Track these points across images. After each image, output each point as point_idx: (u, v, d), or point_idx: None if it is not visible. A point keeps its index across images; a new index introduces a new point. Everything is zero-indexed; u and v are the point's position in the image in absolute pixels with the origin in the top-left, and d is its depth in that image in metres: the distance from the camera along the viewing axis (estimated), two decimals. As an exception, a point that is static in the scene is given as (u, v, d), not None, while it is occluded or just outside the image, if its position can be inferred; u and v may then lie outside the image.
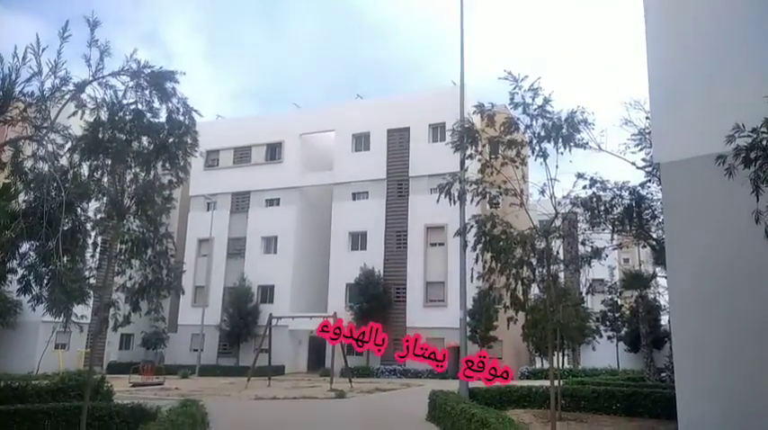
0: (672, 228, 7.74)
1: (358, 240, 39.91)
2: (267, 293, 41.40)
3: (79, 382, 13.66)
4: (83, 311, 11.09)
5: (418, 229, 38.06)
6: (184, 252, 44.63)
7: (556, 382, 20.39)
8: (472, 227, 11.14)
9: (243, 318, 39.49)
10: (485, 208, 14.93)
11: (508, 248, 10.48)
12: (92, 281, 10.35)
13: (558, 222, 10.99)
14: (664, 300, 26.04)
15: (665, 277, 20.88)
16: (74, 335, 34.47)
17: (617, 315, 35.92)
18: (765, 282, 6.41)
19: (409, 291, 37.63)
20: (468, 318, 33.48)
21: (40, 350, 33.44)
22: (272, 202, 43.17)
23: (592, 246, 11.82)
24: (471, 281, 11.54)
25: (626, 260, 44.54)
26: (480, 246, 11.00)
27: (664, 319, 36.60)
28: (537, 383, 19.83)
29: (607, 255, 12.32)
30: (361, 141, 41.63)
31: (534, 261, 10.82)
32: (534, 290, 12.80)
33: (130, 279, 10.94)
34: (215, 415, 14.75)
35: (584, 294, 11.00)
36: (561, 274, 12.15)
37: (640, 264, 31.11)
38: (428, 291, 37.39)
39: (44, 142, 9.58)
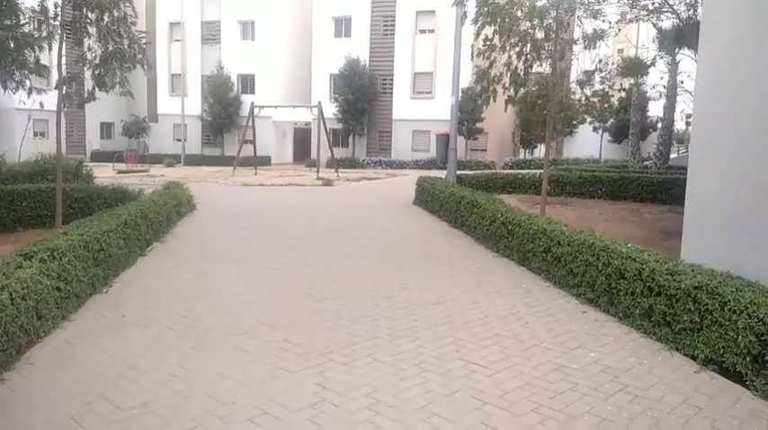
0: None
1: (342, 26, 37.20)
2: (248, 83, 39.72)
3: (56, 166, 13.18)
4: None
5: (407, 15, 35.33)
6: (156, 36, 41.62)
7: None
8: (473, -9, 9.76)
9: (224, 107, 38.38)
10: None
11: (514, 19, 9.28)
12: (43, 47, 9.18)
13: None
14: (657, 89, 25.18)
15: (672, 61, 19.84)
16: (52, 123, 33.59)
17: (606, 105, 35.37)
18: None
19: (396, 82, 36.22)
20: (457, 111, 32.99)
21: (18, 138, 32.67)
22: (246, -19, 39.19)
23: (604, 20, 10.59)
24: (471, 59, 10.46)
25: (620, 51, 42.71)
26: (482, 17, 9.75)
27: (652, 110, 36.32)
28: (523, 171, 19.95)
29: (619, 30, 11.15)
30: None
31: (541, 35, 9.70)
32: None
33: (89, 50, 9.78)
34: (202, 199, 14.64)
35: (592, 74, 10.16)
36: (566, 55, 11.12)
37: (637, 50, 29.58)
38: (416, 83, 36.03)
39: None
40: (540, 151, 45.37)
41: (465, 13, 10.25)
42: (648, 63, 23.60)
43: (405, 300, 6.34)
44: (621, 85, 33.57)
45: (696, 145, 6.73)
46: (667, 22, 16.46)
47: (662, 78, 19.56)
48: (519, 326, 5.55)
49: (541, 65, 10.56)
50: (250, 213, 13.25)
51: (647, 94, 31.15)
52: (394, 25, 35.91)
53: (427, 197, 13.40)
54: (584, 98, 11.70)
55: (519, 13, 9.32)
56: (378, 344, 5.01)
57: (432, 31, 34.94)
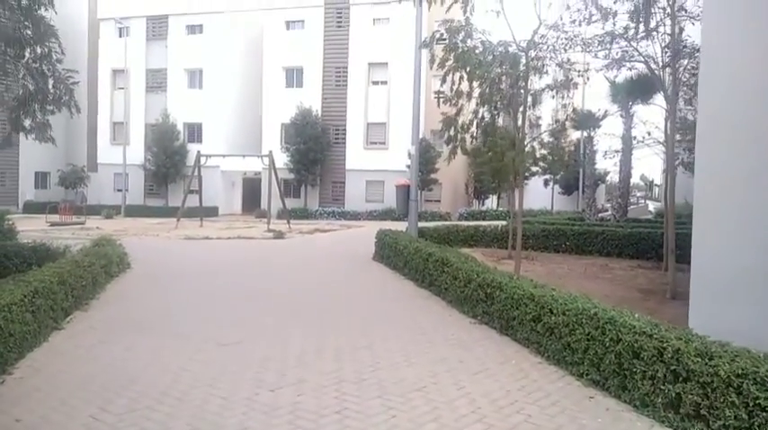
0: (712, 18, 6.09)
1: (293, 76, 36.74)
2: (195, 132, 38.46)
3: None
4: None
5: (360, 66, 35.24)
6: (97, 84, 40.32)
7: (501, 222, 20.01)
8: (442, 36, 9.13)
9: (169, 157, 36.84)
10: (441, 14, 12.48)
11: (486, 65, 8.66)
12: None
13: (542, 32, 9.10)
14: (604, 144, 25.43)
15: (626, 114, 19.94)
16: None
17: (555, 158, 35.84)
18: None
19: (349, 132, 35.77)
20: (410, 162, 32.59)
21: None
22: (194, 29, 38.40)
23: (570, 69, 10.18)
24: (438, 106, 9.82)
25: (564, 106, 43.94)
26: (450, 62, 9.12)
27: (599, 164, 37.04)
28: (484, 223, 19.35)
29: (588, 79, 10.84)
30: (294, -43, 36.57)
31: (509, 81, 9.12)
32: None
33: (7, 90, 8.55)
34: (139, 255, 13.25)
35: (559, 123, 9.87)
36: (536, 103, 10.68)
37: (583, 105, 30.16)
38: (369, 133, 35.67)
39: None
40: (492, 202, 45.56)
41: (432, 56, 9.57)
42: (600, 117, 23.88)
43: (378, 386, 5.25)
44: (568, 140, 34.09)
45: (701, 198, 6.05)
46: (621, 76, 16.45)
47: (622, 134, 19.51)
48: (521, 422, 4.54)
49: (509, 113, 9.94)
50: (192, 273, 11.92)
51: (595, 148, 31.77)
52: (346, 76, 35.71)
53: (389, 252, 12.44)
54: (547, 149, 11.40)
55: (490, 58, 8.71)
56: (351, 457, 3.90)
57: (384, 82, 34.92)
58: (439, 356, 6.23)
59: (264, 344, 6.57)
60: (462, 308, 8.30)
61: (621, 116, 19.97)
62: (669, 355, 4.54)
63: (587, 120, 23.89)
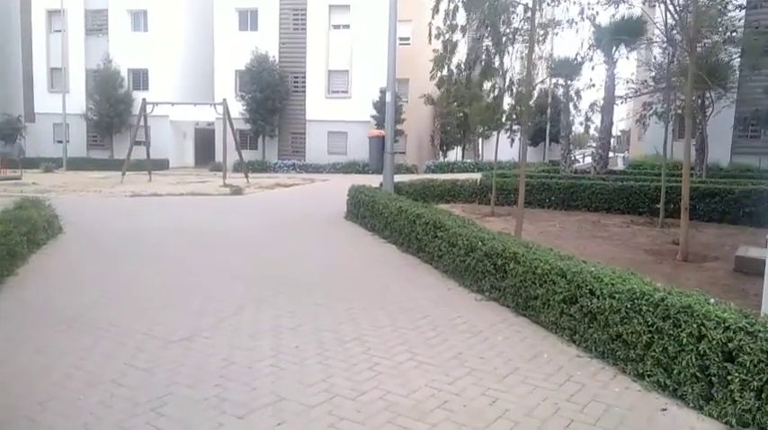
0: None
1: (247, 18, 33.98)
2: (141, 78, 35.54)
3: None
4: None
5: (320, 8, 32.79)
6: (31, 27, 36.67)
7: (475, 175, 18.77)
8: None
9: (113, 105, 34.01)
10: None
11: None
12: None
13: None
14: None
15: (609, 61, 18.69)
16: None
17: (523, 108, 34.57)
18: None
19: (309, 80, 33.56)
20: (375, 112, 30.76)
21: None
22: (137, -35, 34.99)
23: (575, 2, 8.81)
24: (429, 42, 8.28)
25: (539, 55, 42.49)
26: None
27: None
28: (461, 177, 18.05)
29: (597, 13, 9.50)
30: None
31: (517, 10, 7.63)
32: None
33: None
34: (75, 217, 11.50)
35: (580, 64, 8.54)
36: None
37: (551, 51, 28.74)
38: (330, 81, 33.54)
39: None
40: (457, 154, 44.31)
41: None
42: (577, 63, 22.53)
43: (385, 404, 3.90)
44: (539, 89, 32.73)
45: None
46: (615, 16, 15.12)
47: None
48: (591, 459, 3.30)
49: (508, 51, 8.48)
50: (136, 239, 10.23)
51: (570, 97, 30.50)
52: (305, 19, 33.24)
53: (365, 212, 11.01)
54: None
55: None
56: None
57: (347, 26, 32.67)
58: (451, 351, 4.93)
59: (224, 339, 5.12)
60: (462, 280, 7.02)
61: (605, 62, 18.72)
62: (788, 363, 3.34)
63: (564, 68, 22.51)
